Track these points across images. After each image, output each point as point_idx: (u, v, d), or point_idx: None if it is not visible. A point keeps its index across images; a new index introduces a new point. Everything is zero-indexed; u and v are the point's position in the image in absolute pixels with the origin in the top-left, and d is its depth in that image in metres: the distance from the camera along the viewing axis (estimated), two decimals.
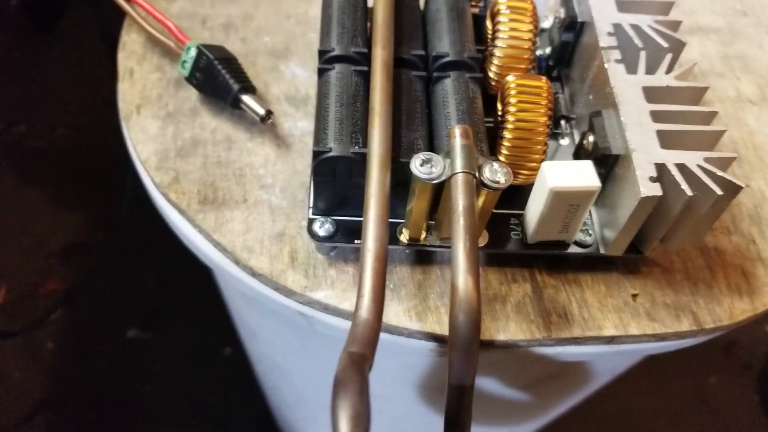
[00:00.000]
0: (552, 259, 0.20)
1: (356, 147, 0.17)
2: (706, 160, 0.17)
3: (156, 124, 0.22)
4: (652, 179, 0.17)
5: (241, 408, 0.56)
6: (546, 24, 0.23)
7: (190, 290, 0.58)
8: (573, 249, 0.19)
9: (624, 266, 0.20)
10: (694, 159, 0.17)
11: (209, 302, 0.45)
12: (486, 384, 0.25)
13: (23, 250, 0.60)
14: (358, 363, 0.13)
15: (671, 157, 0.17)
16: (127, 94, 0.23)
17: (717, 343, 0.68)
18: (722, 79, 0.26)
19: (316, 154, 0.17)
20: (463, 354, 0.15)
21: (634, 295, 0.20)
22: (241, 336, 0.41)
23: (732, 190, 0.17)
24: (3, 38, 0.64)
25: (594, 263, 0.20)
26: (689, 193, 0.16)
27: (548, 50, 0.23)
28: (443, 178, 0.16)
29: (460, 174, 0.16)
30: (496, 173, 0.17)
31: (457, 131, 0.17)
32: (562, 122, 0.22)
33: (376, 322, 0.14)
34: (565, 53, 0.22)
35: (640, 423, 0.58)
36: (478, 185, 0.17)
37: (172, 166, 0.21)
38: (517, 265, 0.20)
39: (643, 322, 0.19)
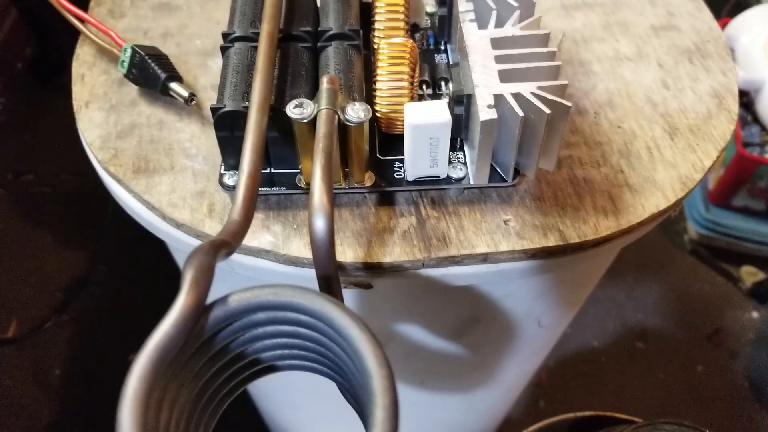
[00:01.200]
0: (435, 196, 0.23)
1: (246, 102, 0.21)
2: (539, 87, 0.20)
3: (101, 114, 0.26)
4: (489, 107, 0.20)
5: (239, 421, 0.58)
6: (429, 8, 0.27)
7: None
8: (446, 185, 0.22)
9: (498, 197, 0.23)
10: (528, 88, 0.20)
11: None
12: (415, 333, 0.28)
13: (32, 286, 0.64)
14: (218, 244, 0.16)
15: (508, 89, 0.20)
16: (78, 93, 0.27)
17: (701, 332, 0.68)
18: (603, 43, 0.29)
19: (214, 111, 0.21)
20: (323, 249, 0.17)
21: (506, 220, 0.22)
22: None
23: (561, 109, 0.20)
24: (12, 97, 0.71)
25: (471, 197, 0.23)
26: (521, 114, 0.19)
27: (436, 29, 0.27)
28: (312, 115, 0.20)
29: (323, 110, 0.19)
30: (357, 111, 0.20)
31: (324, 79, 0.20)
32: (442, 83, 0.25)
33: (244, 221, 0.17)
34: (444, 26, 0.26)
35: (628, 413, 0.58)
36: (343, 123, 0.20)
37: (112, 146, 0.25)
38: (404, 203, 0.23)
39: (513, 240, 0.22)
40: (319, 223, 0.18)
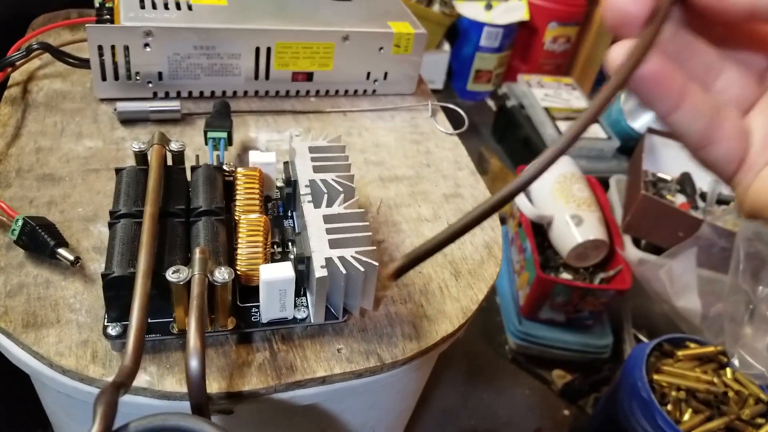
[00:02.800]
0: (285, 333, 0.30)
1: (131, 269, 0.26)
2: (357, 252, 0.28)
3: None
4: (322, 267, 0.27)
5: None
6: (279, 183, 0.35)
7: None
8: (293, 324, 0.29)
9: (333, 331, 0.30)
10: (349, 252, 0.28)
11: None
12: None
13: None
14: (118, 384, 0.21)
15: (335, 253, 0.28)
16: None
17: (526, 430, 0.78)
18: (409, 207, 0.39)
19: (104, 276, 0.26)
20: (197, 383, 0.23)
21: (339, 349, 0.29)
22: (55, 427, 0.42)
23: (371, 267, 0.28)
24: None
25: (312, 332, 0.30)
26: (344, 271, 0.27)
27: (283, 200, 0.34)
28: (187, 279, 0.26)
29: (196, 275, 0.26)
30: (223, 274, 0.26)
31: (197, 249, 0.27)
32: (290, 244, 0.32)
33: (134, 365, 0.22)
34: (290, 200, 0.34)
35: None
36: (212, 284, 0.26)
37: (2, 304, 0.29)
38: (260, 340, 0.29)
39: (344, 364, 0.29)
40: (194, 363, 0.23)
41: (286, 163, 0.34)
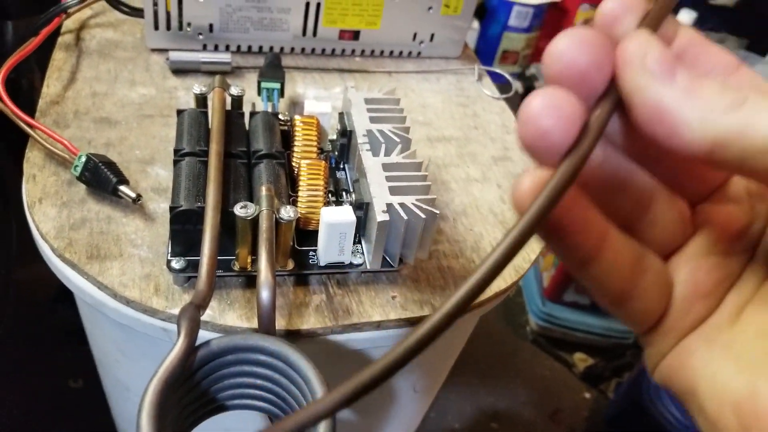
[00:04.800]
0: (340, 278, 0.30)
1: (198, 203, 0.27)
2: (417, 200, 0.28)
3: (54, 210, 0.30)
4: (383, 212, 0.28)
5: None
6: (332, 136, 0.35)
7: None
8: (349, 269, 0.29)
9: (387, 279, 0.30)
10: (409, 200, 0.28)
11: None
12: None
13: None
14: (198, 305, 0.21)
15: (396, 200, 0.28)
16: (30, 191, 0.31)
17: (544, 411, 0.79)
18: (458, 168, 0.39)
19: (172, 209, 0.26)
20: (267, 313, 0.23)
21: (393, 297, 0.30)
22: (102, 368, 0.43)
23: (432, 215, 0.28)
24: None
25: (367, 279, 0.30)
26: (405, 217, 0.27)
27: (336, 152, 0.35)
28: (254, 215, 0.26)
29: (265, 210, 0.26)
30: (288, 212, 0.27)
31: (263, 187, 0.27)
32: (344, 193, 0.33)
33: (208, 290, 0.23)
34: (344, 151, 0.34)
35: None
36: (276, 222, 0.26)
37: (66, 236, 0.29)
38: (316, 283, 0.30)
39: (399, 311, 0.29)
40: (265, 294, 0.24)
41: (341, 114, 0.34)
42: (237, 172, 0.29)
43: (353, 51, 0.47)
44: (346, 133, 0.33)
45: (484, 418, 0.79)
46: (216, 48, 0.44)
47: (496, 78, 0.51)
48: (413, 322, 0.29)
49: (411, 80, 0.46)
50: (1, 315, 0.65)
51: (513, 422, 0.76)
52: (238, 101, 0.33)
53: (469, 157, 0.40)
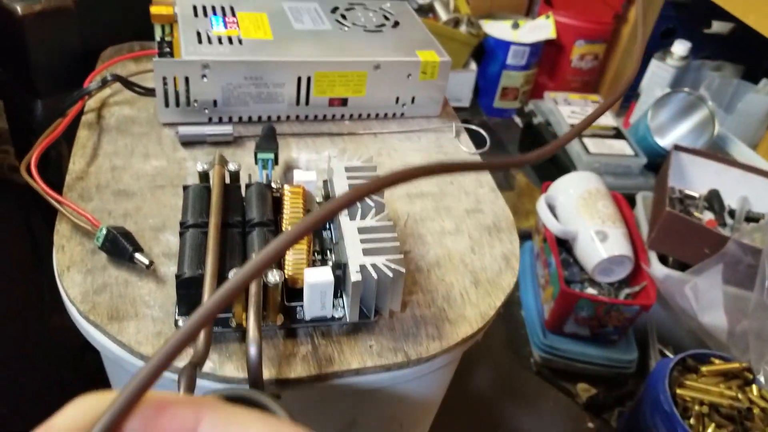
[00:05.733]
0: (324, 330, 0.34)
1: (200, 271, 0.32)
2: (387, 259, 0.33)
3: (80, 276, 0.35)
4: (357, 272, 0.32)
5: None
6: (319, 199, 0.40)
7: None
8: (331, 322, 0.34)
9: (366, 329, 0.35)
10: (380, 260, 0.33)
11: None
12: None
13: None
14: (194, 363, 0.26)
15: (368, 260, 0.33)
16: (60, 260, 0.36)
17: None
18: (434, 221, 0.43)
19: (177, 277, 0.31)
20: (255, 367, 0.28)
21: (371, 345, 0.34)
22: None
23: (398, 273, 0.32)
24: None
25: (348, 329, 0.35)
26: (375, 276, 0.32)
27: None
28: None
29: None
30: (274, 276, 0.31)
31: (254, 255, 0.32)
32: (328, 251, 0.37)
33: (205, 350, 0.27)
34: None
35: None
36: (265, 285, 0.31)
37: (91, 300, 0.34)
38: (303, 335, 0.34)
39: (375, 358, 0.33)
40: (253, 350, 0.28)
41: (325, 181, 0.39)
42: (233, 240, 0.34)
43: (342, 115, 0.52)
44: (329, 198, 0.38)
45: None
46: (220, 120, 0.49)
47: (498, 113, 0.55)
48: (388, 368, 0.34)
49: (395, 140, 0.51)
50: (37, 361, 0.70)
51: None
52: (235, 175, 0.39)
53: (444, 211, 0.44)
